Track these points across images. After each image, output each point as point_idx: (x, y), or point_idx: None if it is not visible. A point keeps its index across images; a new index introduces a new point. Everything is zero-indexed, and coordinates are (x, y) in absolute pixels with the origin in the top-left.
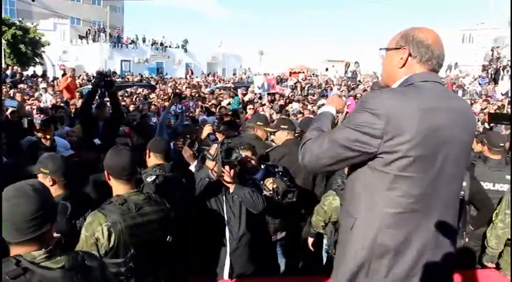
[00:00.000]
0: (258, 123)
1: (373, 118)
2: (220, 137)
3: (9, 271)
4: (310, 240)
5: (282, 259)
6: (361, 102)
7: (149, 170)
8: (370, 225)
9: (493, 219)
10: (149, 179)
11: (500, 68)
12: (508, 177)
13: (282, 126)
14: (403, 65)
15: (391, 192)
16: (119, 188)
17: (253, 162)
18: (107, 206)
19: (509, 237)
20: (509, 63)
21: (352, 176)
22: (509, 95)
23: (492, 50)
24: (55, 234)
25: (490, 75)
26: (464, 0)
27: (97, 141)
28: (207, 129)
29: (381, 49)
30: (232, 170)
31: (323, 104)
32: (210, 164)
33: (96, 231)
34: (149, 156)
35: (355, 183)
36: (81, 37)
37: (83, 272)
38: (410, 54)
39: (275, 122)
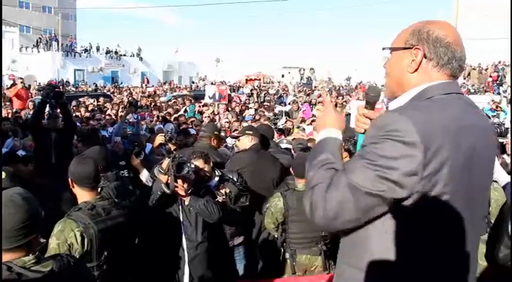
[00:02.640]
0: (215, 132)
1: (407, 148)
2: (173, 147)
3: (4, 277)
4: None
5: (240, 264)
6: (380, 126)
7: None
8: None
9: None
10: None
11: None
12: None
13: (246, 132)
14: (416, 70)
15: (422, 238)
16: (84, 195)
17: (206, 169)
18: (76, 213)
19: None
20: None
21: (361, 228)
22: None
23: None
24: (41, 240)
25: None
26: (411, 8)
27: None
28: (158, 139)
29: (384, 49)
30: (185, 183)
31: (280, 111)
32: (162, 177)
33: (68, 238)
34: None
35: (367, 231)
36: (32, 45)
37: (71, 273)
38: (425, 56)
39: (240, 128)
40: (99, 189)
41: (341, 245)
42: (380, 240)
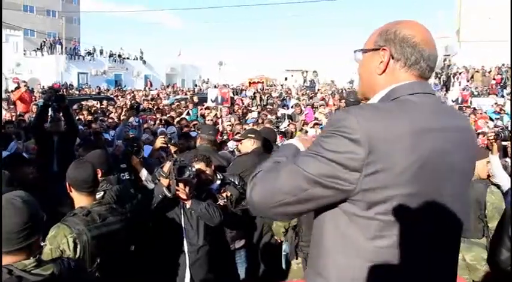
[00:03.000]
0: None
1: (350, 145)
2: (173, 149)
3: (4, 280)
4: None
5: (242, 267)
6: (333, 121)
7: None
8: None
9: None
10: (97, 196)
11: (451, 75)
12: None
13: (248, 135)
14: (384, 71)
15: (378, 242)
16: (81, 199)
17: (208, 172)
18: (71, 218)
19: None
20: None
21: (319, 221)
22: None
23: (444, 58)
24: (42, 243)
25: (441, 82)
26: (414, 9)
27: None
28: (158, 142)
29: (355, 51)
30: (187, 187)
31: (283, 114)
32: (164, 181)
33: (61, 244)
34: None
35: (324, 230)
36: (36, 49)
37: (71, 277)
38: (392, 56)
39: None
40: (102, 193)
41: (311, 256)
42: (342, 244)
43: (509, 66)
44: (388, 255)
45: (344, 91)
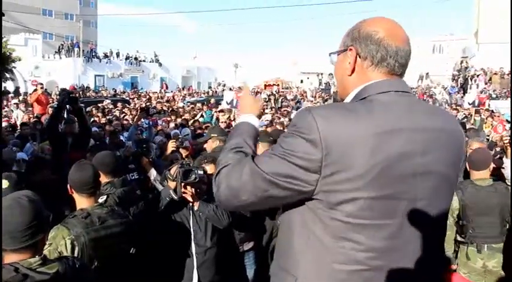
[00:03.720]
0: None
1: (307, 146)
2: (184, 152)
3: (10, 277)
4: None
5: (250, 269)
6: (294, 121)
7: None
8: None
9: None
10: (100, 200)
11: (469, 78)
12: None
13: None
14: (353, 71)
15: (343, 243)
16: (82, 201)
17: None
18: (70, 220)
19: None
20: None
21: (286, 219)
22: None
23: (461, 61)
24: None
25: (459, 85)
26: (433, 11)
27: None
28: (170, 146)
29: (330, 54)
30: (194, 190)
31: None
32: (171, 183)
33: (59, 245)
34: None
35: (291, 230)
36: (54, 52)
37: (76, 275)
38: (358, 56)
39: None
40: (106, 197)
41: (278, 254)
42: (309, 244)
43: None
44: (354, 259)
45: None
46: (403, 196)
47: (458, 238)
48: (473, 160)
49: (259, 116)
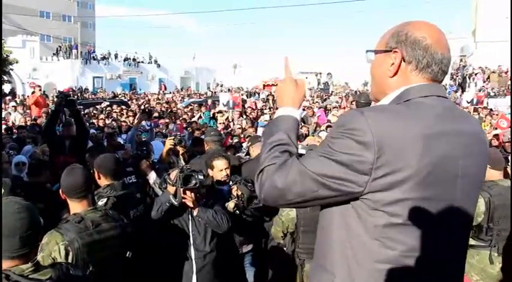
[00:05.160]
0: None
1: (358, 147)
2: (181, 150)
3: None
4: None
5: (250, 272)
6: (341, 123)
7: (101, 191)
8: None
9: None
10: (100, 202)
11: (467, 76)
12: None
13: (259, 140)
14: (395, 73)
15: (385, 242)
16: (74, 206)
17: (227, 172)
18: (64, 225)
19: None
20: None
21: (326, 218)
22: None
23: (460, 59)
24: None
25: (457, 83)
26: (431, 10)
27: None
28: (168, 143)
29: (367, 51)
30: (194, 195)
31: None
32: (170, 189)
33: (53, 251)
34: (99, 178)
35: (331, 228)
36: (53, 54)
37: (69, 281)
38: (403, 59)
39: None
40: (106, 199)
41: (317, 253)
42: (349, 243)
43: None
44: (395, 258)
45: (358, 92)
46: (444, 197)
47: (474, 242)
48: (495, 159)
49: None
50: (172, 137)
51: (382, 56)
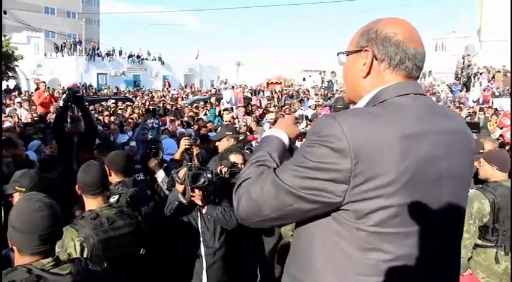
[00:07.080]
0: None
1: (334, 155)
2: (196, 150)
3: (23, 278)
4: None
5: (257, 268)
6: (314, 130)
7: (112, 188)
8: None
9: None
10: (112, 199)
11: (471, 76)
12: None
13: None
14: (368, 73)
15: (370, 254)
16: (90, 202)
17: (242, 167)
18: (79, 221)
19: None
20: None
21: (305, 231)
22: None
23: (463, 58)
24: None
25: (461, 83)
26: (435, 9)
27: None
28: (183, 144)
29: (339, 54)
30: (202, 192)
31: (301, 115)
32: (179, 187)
33: (68, 247)
34: (110, 174)
35: (311, 241)
36: (56, 50)
37: (89, 276)
38: (375, 58)
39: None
40: (118, 196)
41: (293, 266)
42: (330, 256)
43: None
44: (380, 268)
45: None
46: (429, 201)
47: (480, 242)
48: (502, 161)
49: (290, 138)
50: (188, 137)
51: (353, 57)
